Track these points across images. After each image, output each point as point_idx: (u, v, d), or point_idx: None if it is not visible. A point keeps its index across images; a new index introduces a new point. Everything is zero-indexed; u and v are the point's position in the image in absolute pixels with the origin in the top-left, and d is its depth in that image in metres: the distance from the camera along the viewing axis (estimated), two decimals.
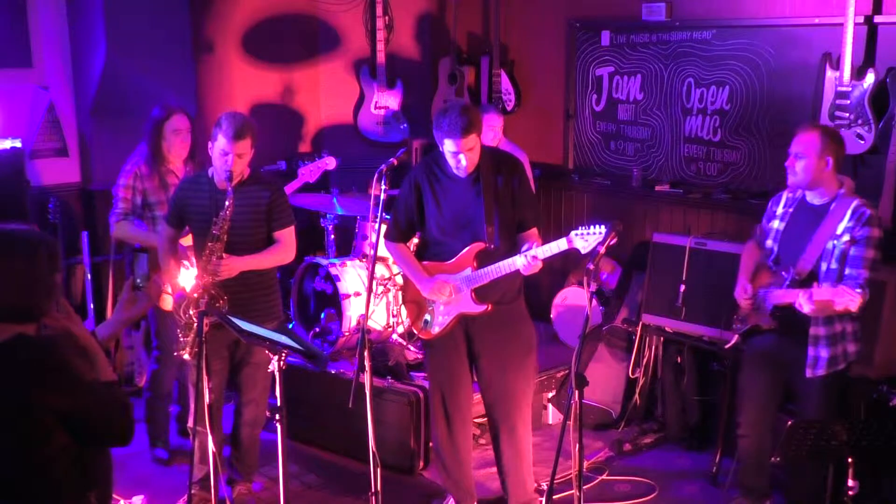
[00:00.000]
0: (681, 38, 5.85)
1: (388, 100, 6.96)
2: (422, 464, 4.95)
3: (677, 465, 5.08)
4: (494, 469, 4.49)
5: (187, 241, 4.49)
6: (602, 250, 3.61)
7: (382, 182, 4.02)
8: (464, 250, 4.12)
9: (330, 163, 5.93)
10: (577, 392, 3.47)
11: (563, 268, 6.27)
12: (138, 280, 3.07)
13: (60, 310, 2.71)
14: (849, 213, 3.86)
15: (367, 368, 3.90)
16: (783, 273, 3.98)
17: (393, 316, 5.51)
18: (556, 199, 6.65)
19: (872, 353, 4.32)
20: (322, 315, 5.58)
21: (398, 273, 5.23)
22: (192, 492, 4.22)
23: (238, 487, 4.60)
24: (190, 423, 4.33)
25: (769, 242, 4.14)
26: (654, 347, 5.35)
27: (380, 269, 5.45)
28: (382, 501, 3.97)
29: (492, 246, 4.07)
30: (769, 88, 5.44)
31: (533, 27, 6.76)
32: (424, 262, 4.26)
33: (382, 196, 4.00)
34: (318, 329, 5.57)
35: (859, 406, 4.32)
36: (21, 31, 5.85)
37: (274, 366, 3.46)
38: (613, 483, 4.84)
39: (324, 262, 5.58)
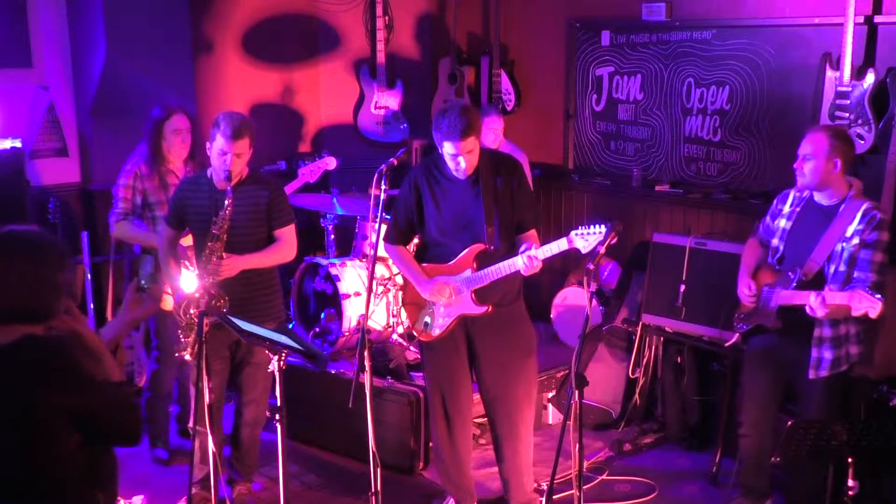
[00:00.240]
0: (681, 38, 5.85)
1: (388, 100, 6.96)
2: (422, 464, 4.95)
3: (677, 465, 5.08)
4: (494, 469, 4.50)
5: (187, 241, 4.50)
6: (602, 250, 3.61)
7: (382, 182, 4.01)
8: (463, 252, 4.12)
9: (330, 163, 5.93)
10: (577, 392, 3.47)
11: (563, 268, 6.27)
12: (143, 281, 3.08)
13: (66, 311, 2.72)
14: (859, 215, 3.85)
15: (367, 368, 3.90)
16: (789, 273, 3.97)
17: (393, 316, 5.51)
18: (556, 199, 6.65)
19: (873, 353, 4.31)
20: (322, 315, 5.58)
21: (398, 273, 5.23)
22: (193, 492, 4.22)
23: (238, 487, 4.60)
24: (190, 424, 4.32)
25: (775, 241, 4.13)
26: (654, 347, 5.35)
27: (380, 269, 5.45)
28: (382, 501, 3.97)
29: (491, 247, 4.07)
30: (769, 88, 5.44)
31: (533, 27, 6.76)
32: (424, 264, 4.25)
33: (382, 196, 4.00)
34: (318, 329, 5.57)
35: (859, 406, 4.32)
36: (21, 31, 5.85)
37: (274, 366, 3.46)
38: (613, 483, 4.84)
39: (324, 262, 5.58)
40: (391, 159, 4.09)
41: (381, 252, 4.43)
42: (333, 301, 5.50)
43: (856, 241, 3.83)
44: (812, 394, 4.03)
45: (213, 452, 3.92)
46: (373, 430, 3.88)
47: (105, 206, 5.11)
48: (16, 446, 2.54)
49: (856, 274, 3.83)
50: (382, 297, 5.50)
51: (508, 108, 6.74)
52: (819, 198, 4.00)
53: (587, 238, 3.80)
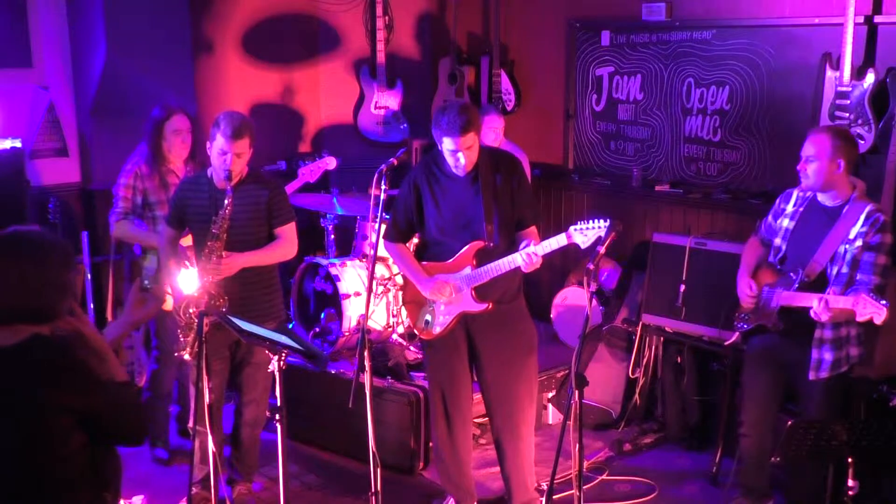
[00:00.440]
0: (681, 38, 5.85)
1: (388, 100, 6.96)
2: (422, 464, 4.95)
3: (677, 465, 5.08)
4: (494, 469, 4.50)
5: (187, 241, 4.49)
6: (602, 250, 3.61)
7: (382, 182, 4.02)
8: (463, 249, 4.12)
9: (330, 163, 5.93)
10: (577, 392, 3.47)
11: (564, 267, 6.27)
12: (146, 281, 3.08)
13: (70, 311, 2.72)
14: (862, 217, 3.84)
15: (367, 368, 3.90)
16: (791, 274, 3.97)
17: (393, 316, 5.51)
18: (556, 199, 6.65)
19: (873, 353, 4.31)
20: (322, 315, 5.58)
21: (398, 273, 5.23)
22: (193, 492, 4.22)
23: (238, 487, 4.60)
24: (190, 424, 4.32)
25: (777, 241, 4.12)
26: (654, 347, 5.35)
27: (380, 269, 5.45)
28: (382, 501, 3.97)
29: (491, 244, 4.07)
30: (769, 88, 5.44)
31: (533, 27, 6.76)
32: (424, 262, 4.26)
33: (382, 196, 4.00)
34: (318, 329, 5.57)
35: (859, 406, 4.32)
36: (21, 31, 5.85)
37: (274, 366, 3.46)
38: (613, 483, 4.84)
39: (324, 262, 5.58)
40: (391, 159, 4.09)
41: (381, 252, 4.43)
42: (333, 301, 5.50)
43: (859, 243, 3.83)
44: (812, 395, 4.02)
45: (213, 452, 3.92)
46: (373, 430, 3.88)
47: (105, 206, 5.11)
48: (22, 446, 2.55)
49: (858, 276, 3.82)
50: (382, 297, 5.50)
51: (508, 108, 6.74)
52: (823, 198, 3.99)
53: (586, 233, 3.81)
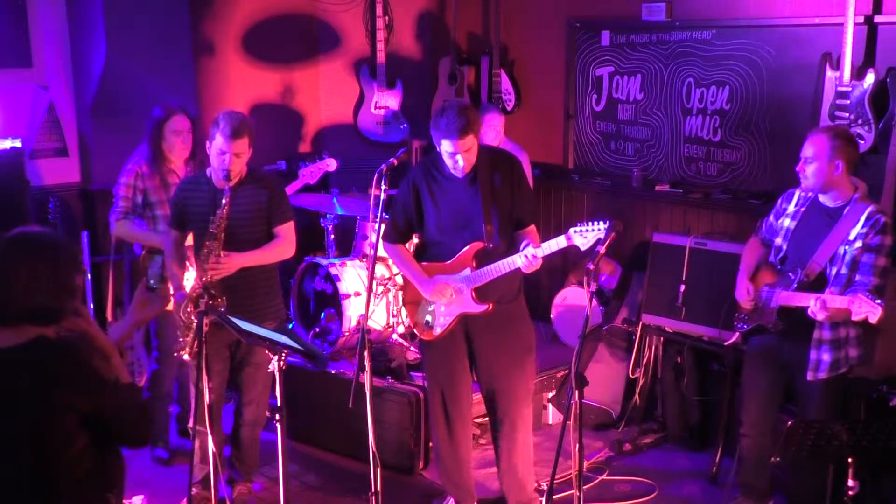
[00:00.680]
0: (681, 38, 5.85)
1: (388, 100, 6.96)
2: (422, 464, 4.95)
3: (677, 465, 5.08)
4: (494, 469, 4.50)
5: (190, 240, 4.50)
6: (602, 250, 3.61)
7: (382, 182, 4.02)
8: (463, 250, 4.12)
9: (330, 164, 5.92)
10: (577, 392, 3.47)
11: (563, 268, 6.27)
12: (151, 281, 3.09)
13: (76, 312, 2.72)
14: (863, 218, 3.84)
15: (367, 368, 3.90)
16: (790, 274, 3.97)
17: (393, 316, 5.52)
18: (556, 199, 6.65)
19: (873, 353, 4.31)
20: (322, 315, 5.58)
21: (398, 273, 5.23)
22: (193, 492, 4.22)
23: (238, 487, 4.60)
24: (190, 424, 4.33)
25: (778, 240, 4.12)
26: (654, 347, 5.35)
27: (380, 269, 5.46)
28: (382, 501, 3.97)
29: (490, 245, 4.07)
30: (769, 88, 5.44)
31: (533, 27, 6.76)
32: (423, 263, 4.25)
33: (382, 196, 4.00)
34: (318, 329, 5.57)
35: (859, 406, 4.31)
36: (21, 31, 5.85)
37: (274, 366, 3.46)
38: (613, 483, 4.84)
39: (324, 262, 5.58)
40: (391, 159, 4.09)
41: (381, 252, 4.43)
42: (333, 301, 5.50)
43: (858, 244, 3.83)
44: (811, 395, 4.02)
45: (213, 452, 3.92)
46: (373, 430, 3.88)
47: (105, 206, 5.11)
48: (26, 446, 2.55)
49: (857, 277, 3.82)
50: (382, 297, 5.50)
51: (508, 108, 6.74)
52: (824, 199, 3.99)
53: (586, 235, 3.81)
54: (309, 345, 4.38)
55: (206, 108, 6.15)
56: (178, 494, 4.56)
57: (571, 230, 3.85)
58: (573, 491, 3.64)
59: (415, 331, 4.46)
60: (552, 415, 5.51)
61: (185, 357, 4.29)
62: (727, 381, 4.83)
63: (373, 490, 3.94)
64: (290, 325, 5.65)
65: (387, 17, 6.91)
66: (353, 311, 5.41)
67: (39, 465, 2.56)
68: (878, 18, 4.90)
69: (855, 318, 3.61)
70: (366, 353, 3.89)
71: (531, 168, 6.09)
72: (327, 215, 5.89)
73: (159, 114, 4.79)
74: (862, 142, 4.85)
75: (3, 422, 2.55)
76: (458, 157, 3.98)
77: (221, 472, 4.02)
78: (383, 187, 4.01)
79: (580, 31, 6.44)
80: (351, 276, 5.48)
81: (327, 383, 5.20)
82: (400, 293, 5.25)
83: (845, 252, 3.85)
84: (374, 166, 4.09)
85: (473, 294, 4.12)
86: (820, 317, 3.73)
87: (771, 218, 4.22)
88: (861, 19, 4.85)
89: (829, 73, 4.95)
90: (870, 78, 4.83)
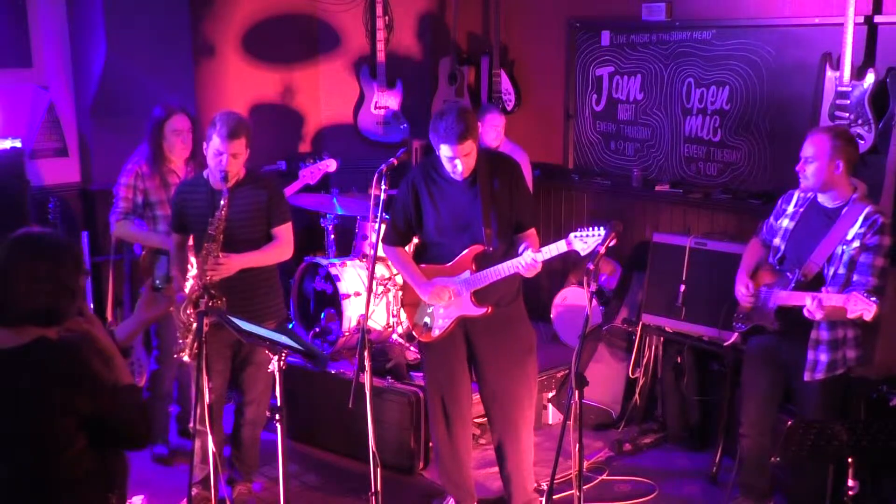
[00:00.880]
0: (681, 38, 5.85)
1: (388, 100, 6.96)
2: (422, 464, 4.95)
3: (677, 465, 5.08)
4: (494, 469, 4.50)
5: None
6: (602, 251, 3.61)
7: (382, 182, 4.02)
8: (462, 253, 4.12)
9: (331, 165, 5.92)
10: (577, 392, 3.47)
11: (563, 268, 6.27)
12: (157, 281, 3.09)
13: (80, 312, 2.72)
14: (861, 218, 3.84)
15: (367, 368, 3.90)
16: (788, 274, 3.97)
17: (393, 316, 5.52)
18: (556, 199, 6.65)
19: (872, 352, 4.31)
20: (322, 315, 5.58)
21: (398, 273, 5.23)
22: (193, 492, 4.22)
23: (238, 487, 4.60)
24: (191, 424, 4.32)
25: (777, 241, 4.12)
26: (654, 347, 5.35)
27: (380, 269, 5.45)
28: (382, 501, 3.97)
29: (490, 248, 4.07)
30: (769, 88, 5.44)
31: (533, 27, 6.76)
32: (422, 265, 4.25)
33: (382, 196, 4.00)
34: (318, 329, 5.57)
35: (859, 406, 4.31)
36: (21, 31, 5.85)
37: (274, 366, 3.46)
38: (613, 483, 4.84)
39: (324, 262, 5.58)
40: (391, 159, 4.09)
41: (381, 252, 4.44)
42: (333, 301, 5.50)
43: (856, 244, 3.83)
44: (808, 395, 4.03)
45: (213, 452, 3.92)
46: (373, 430, 3.88)
47: (105, 206, 5.11)
48: (25, 447, 2.55)
49: (855, 277, 3.82)
50: (382, 297, 5.50)
51: (508, 108, 6.74)
52: (823, 199, 3.99)
53: (586, 240, 3.81)
54: (309, 345, 4.37)
55: (205, 108, 6.15)
56: (178, 494, 4.56)
57: (571, 235, 3.86)
58: (573, 491, 3.64)
59: (413, 332, 4.46)
60: (552, 415, 5.51)
61: (185, 359, 4.29)
62: (727, 381, 4.83)
63: (373, 490, 3.94)
64: (290, 325, 5.65)
65: (387, 17, 6.91)
66: (353, 311, 5.41)
67: (39, 465, 2.57)
68: (878, 18, 4.90)
69: (850, 315, 3.61)
70: (366, 353, 3.89)
71: (531, 168, 6.10)
72: (327, 215, 5.89)
73: (159, 113, 4.79)
74: (862, 142, 4.85)
75: (3, 422, 2.55)
76: (457, 161, 3.98)
77: (221, 472, 4.02)
78: (383, 187, 4.01)
79: (580, 31, 6.44)
80: (351, 276, 5.48)
81: (327, 383, 5.20)
82: (400, 293, 5.25)
83: (843, 252, 3.85)
84: (374, 166, 4.09)
85: (472, 297, 4.12)
86: (817, 316, 3.73)
87: (771, 219, 4.22)
88: (861, 19, 4.85)
89: (829, 73, 4.95)
90: (870, 78, 4.83)
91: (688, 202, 5.85)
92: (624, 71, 6.22)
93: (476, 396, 4.42)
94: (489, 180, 4.08)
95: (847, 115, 4.90)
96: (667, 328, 5.21)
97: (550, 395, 5.50)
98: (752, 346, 4.25)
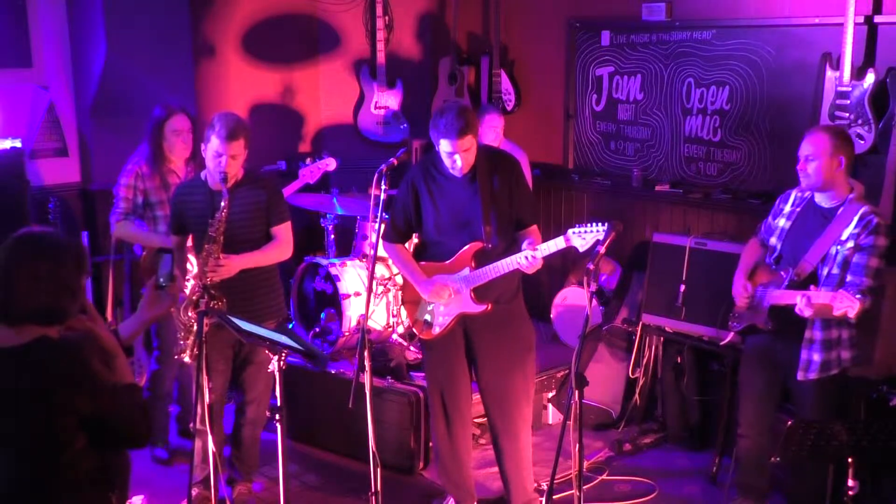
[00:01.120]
0: (681, 38, 5.85)
1: (388, 100, 6.96)
2: (422, 464, 4.95)
3: (677, 465, 5.08)
4: (494, 469, 4.50)
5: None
6: (602, 250, 3.61)
7: (382, 182, 4.02)
8: (461, 250, 4.12)
9: (330, 164, 5.92)
10: (577, 392, 3.47)
11: (563, 268, 6.27)
12: (161, 279, 3.09)
13: (83, 310, 2.72)
14: (856, 219, 3.84)
15: (367, 368, 3.90)
16: (782, 273, 3.98)
17: (393, 316, 5.52)
18: (556, 199, 6.65)
19: (872, 352, 4.31)
20: (322, 315, 5.58)
21: (398, 273, 5.23)
22: (193, 492, 4.22)
23: (238, 487, 4.61)
24: (192, 424, 4.32)
25: (773, 240, 4.13)
26: (654, 347, 5.35)
27: (380, 269, 5.46)
28: (382, 501, 3.97)
29: (489, 245, 4.08)
30: (769, 88, 5.44)
31: (533, 27, 6.76)
32: (422, 263, 4.26)
33: (382, 196, 4.01)
34: (318, 329, 5.57)
35: (859, 406, 4.32)
36: (21, 31, 5.85)
37: (274, 366, 3.46)
38: (613, 483, 4.84)
39: (324, 262, 5.58)
40: (391, 159, 4.10)
41: (381, 252, 4.44)
42: (333, 301, 5.50)
43: (850, 244, 3.82)
44: (804, 395, 4.03)
45: (213, 452, 3.92)
46: (373, 430, 3.88)
47: (105, 206, 5.12)
48: (25, 447, 2.56)
49: (849, 278, 3.81)
50: (382, 297, 5.50)
51: (508, 108, 6.74)
52: (820, 199, 3.99)
53: (584, 236, 3.82)
54: (309, 345, 4.37)
55: (206, 109, 6.15)
56: (178, 494, 4.56)
57: (570, 231, 3.86)
58: (573, 491, 3.64)
59: (414, 330, 4.46)
60: (552, 415, 5.51)
61: (186, 359, 4.29)
62: (727, 381, 4.83)
63: (373, 490, 3.94)
64: (291, 325, 5.65)
65: (387, 17, 6.91)
66: (353, 311, 5.41)
67: (39, 464, 2.57)
68: (878, 18, 4.90)
69: (836, 312, 3.59)
70: (366, 353, 3.90)
71: (531, 168, 6.10)
72: (327, 215, 5.89)
73: (160, 113, 4.79)
74: (862, 142, 4.85)
75: (4, 422, 2.55)
76: (457, 156, 3.99)
77: (221, 472, 4.03)
78: (383, 187, 4.01)
79: (580, 31, 6.44)
80: (351, 276, 5.48)
81: (327, 383, 5.20)
82: (400, 293, 5.25)
83: (837, 252, 3.85)
84: (374, 166, 4.09)
85: (472, 294, 4.13)
86: (806, 313, 3.73)
87: (769, 219, 4.22)
88: (861, 19, 4.85)
89: (829, 73, 4.95)
90: (870, 78, 4.83)
91: (688, 202, 5.85)
92: (624, 71, 6.22)
93: (476, 396, 4.42)
94: (489, 178, 4.08)
95: (847, 115, 4.90)
96: (667, 328, 5.21)
97: (550, 395, 5.50)
98: (749, 346, 4.25)
